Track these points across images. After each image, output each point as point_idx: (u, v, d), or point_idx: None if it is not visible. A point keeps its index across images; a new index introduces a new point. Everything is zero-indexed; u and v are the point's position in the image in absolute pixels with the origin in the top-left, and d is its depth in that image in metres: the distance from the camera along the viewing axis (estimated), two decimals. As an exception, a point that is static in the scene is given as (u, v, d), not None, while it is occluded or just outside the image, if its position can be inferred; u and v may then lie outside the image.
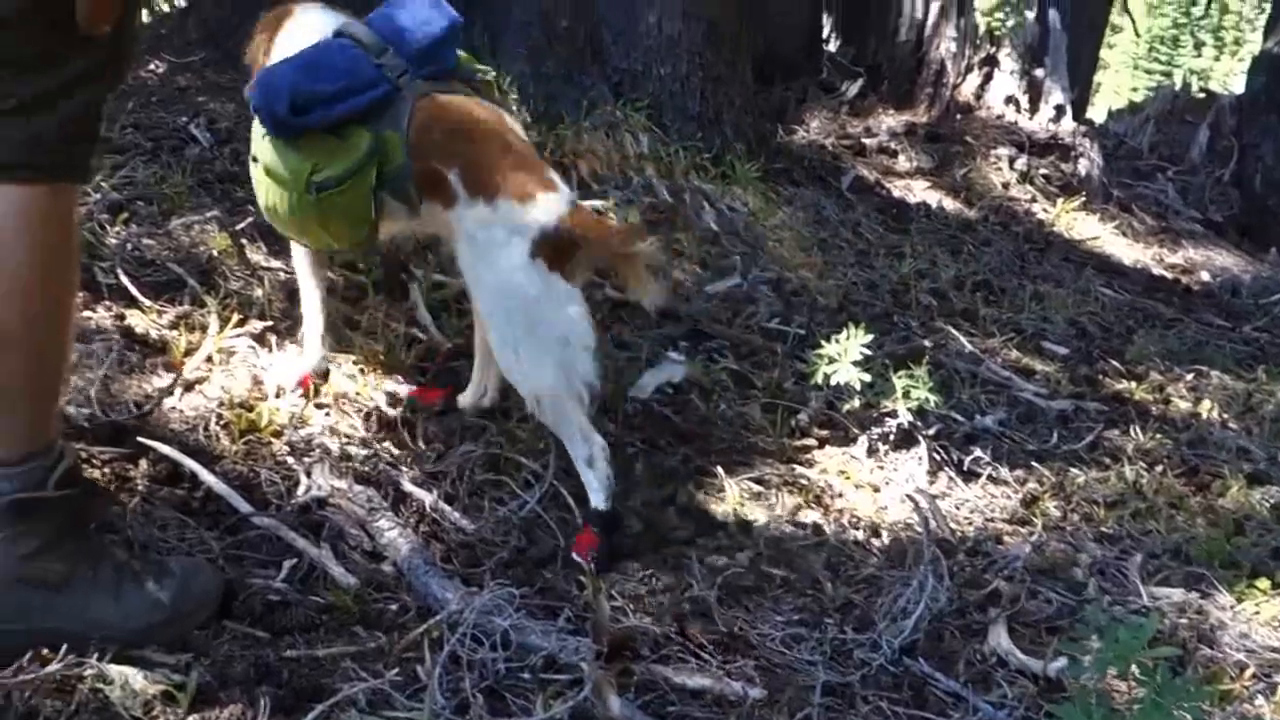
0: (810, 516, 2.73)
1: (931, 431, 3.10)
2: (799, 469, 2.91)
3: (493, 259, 2.34)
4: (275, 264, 3.19)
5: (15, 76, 1.55)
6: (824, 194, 5.24)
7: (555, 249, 2.31)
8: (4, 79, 1.54)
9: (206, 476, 2.21)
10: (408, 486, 2.39)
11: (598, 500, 2.37)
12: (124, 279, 2.85)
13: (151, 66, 4.61)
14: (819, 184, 5.38)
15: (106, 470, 2.21)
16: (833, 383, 3.04)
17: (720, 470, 2.79)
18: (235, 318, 2.76)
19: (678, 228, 4.14)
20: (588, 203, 4.01)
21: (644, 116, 4.51)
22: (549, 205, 2.32)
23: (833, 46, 7.19)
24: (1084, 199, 6.18)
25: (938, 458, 3.05)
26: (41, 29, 1.52)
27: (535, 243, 2.29)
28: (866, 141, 6.17)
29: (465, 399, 2.75)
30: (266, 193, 2.43)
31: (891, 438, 3.04)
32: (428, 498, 2.36)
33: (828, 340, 3.12)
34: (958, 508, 2.91)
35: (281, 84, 2.33)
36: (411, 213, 2.48)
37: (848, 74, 6.77)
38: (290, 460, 2.38)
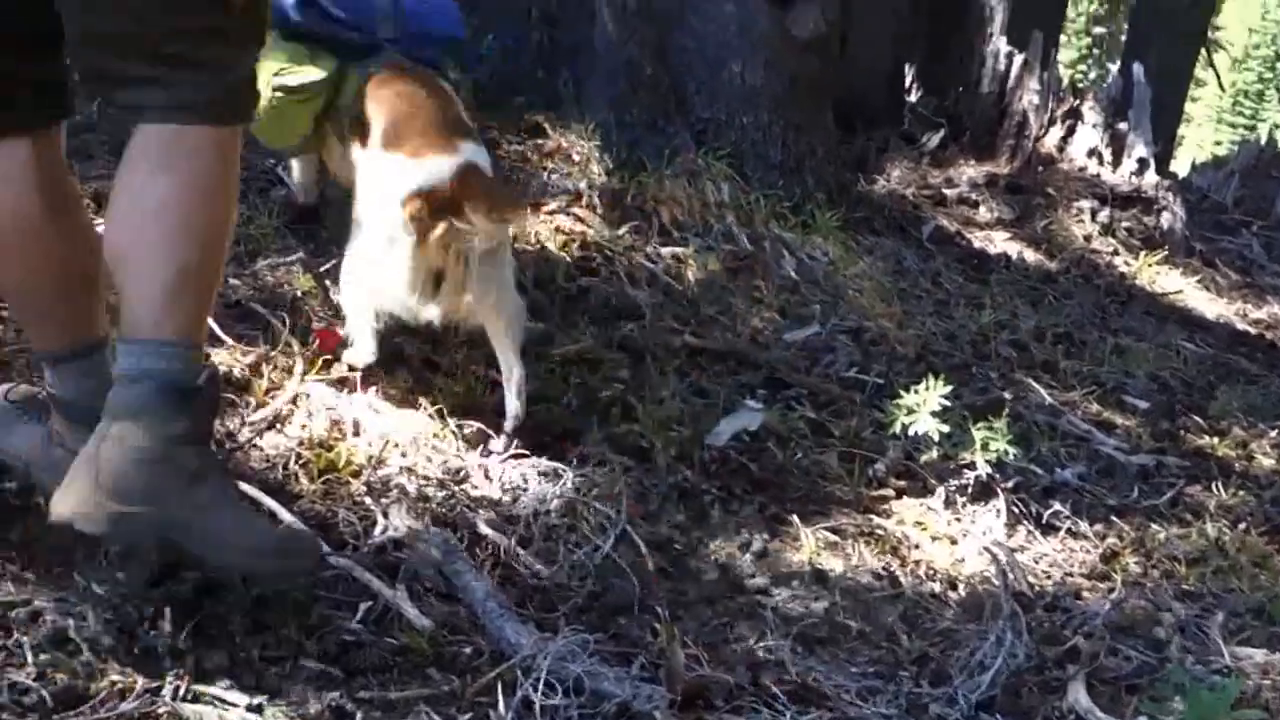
0: (887, 567, 2.70)
1: (1010, 484, 3.05)
2: (876, 519, 2.89)
3: (368, 197, 2.76)
4: (358, 305, 3.24)
5: (202, 42, 1.86)
6: (904, 244, 5.21)
7: (427, 202, 2.60)
8: (203, 43, 1.86)
9: (285, 515, 2.23)
10: (483, 529, 2.40)
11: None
12: (209, 318, 2.91)
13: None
14: (899, 234, 5.35)
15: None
16: (911, 433, 3.02)
17: (796, 519, 2.77)
18: (318, 360, 2.81)
19: (757, 275, 4.14)
20: (668, 249, 4.07)
21: (725, 165, 4.52)
22: (435, 166, 2.63)
23: (914, 97, 7.17)
24: (1166, 253, 6.07)
25: (1016, 511, 3.00)
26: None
27: (409, 193, 2.61)
28: (947, 192, 6.12)
29: None
30: None
31: (969, 490, 3.00)
32: (503, 541, 2.37)
33: (906, 390, 3.10)
34: (1036, 562, 2.86)
35: None
36: (340, 148, 2.97)
37: (929, 124, 6.73)
38: (368, 500, 2.40)
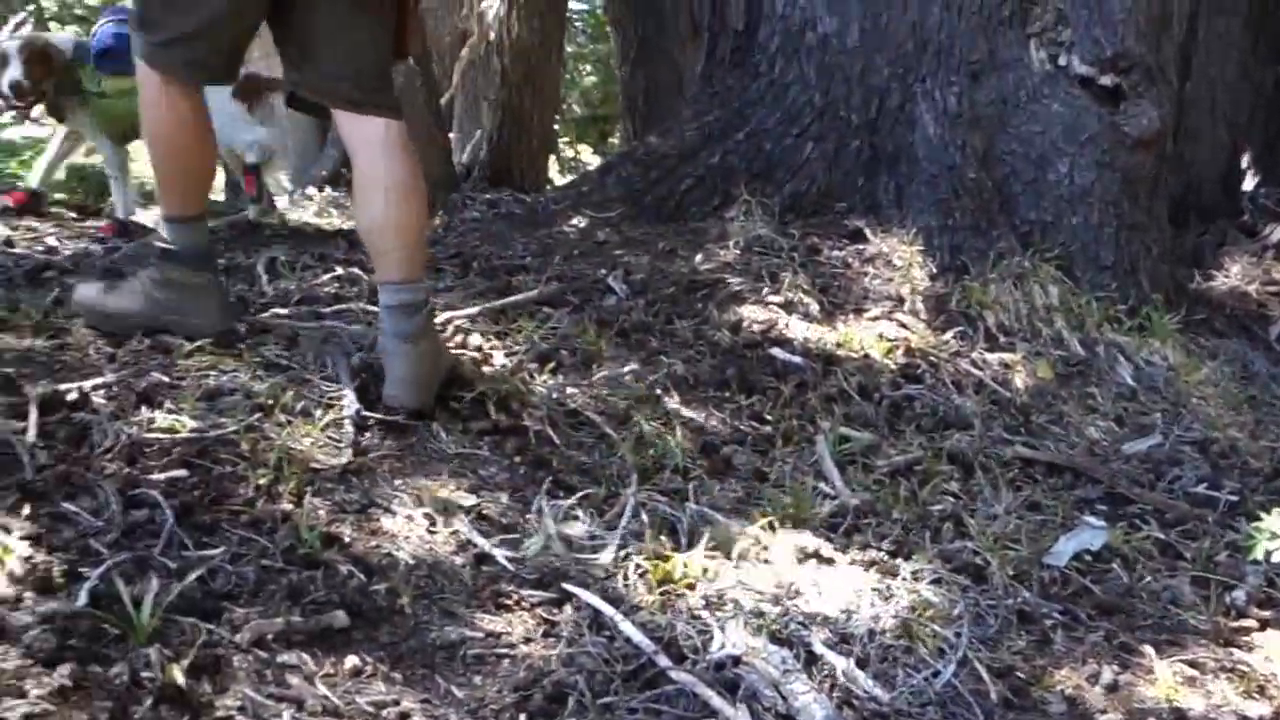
0: (1254, 709, 2.48)
1: (1394, 619, 2.77)
2: (1237, 653, 2.66)
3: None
4: (687, 414, 3.30)
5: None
6: (1250, 345, 4.89)
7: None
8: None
9: (627, 627, 2.26)
10: (819, 648, 2.36)
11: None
12: (548, 428, 3.03)
13: (574, 222, 4.94)
14: (1244, 334, 5.03)
15: (535, 613, 2.31)
16: (1274, 559, 2.79)
17: (1149, 649, 2.59)
18: (652, 468, 2.87)
19: (1091, 382, 3.97)
20: (994, 355, 3.97)
21: (1053, 267, 4.38)
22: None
23: (1250, 185, 6.78)
24: None
25: (1403, 650, 2.72)
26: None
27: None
28: (1294, 288, 5.73)
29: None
30: None
31: (1346, 625, 2.74)
32: (840, 662, 2.32)
33: (1265, 511, 2.88)
34: None
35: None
36: None
37: (1270, 215, 6.35)
38: (704, 614, 2.41)
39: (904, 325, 4.09)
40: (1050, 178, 4.62)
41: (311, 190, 6.74)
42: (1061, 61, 4.72)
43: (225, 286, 3.39)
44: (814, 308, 4.16)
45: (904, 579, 2.68)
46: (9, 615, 1.81)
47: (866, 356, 3.82)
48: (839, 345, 3.89)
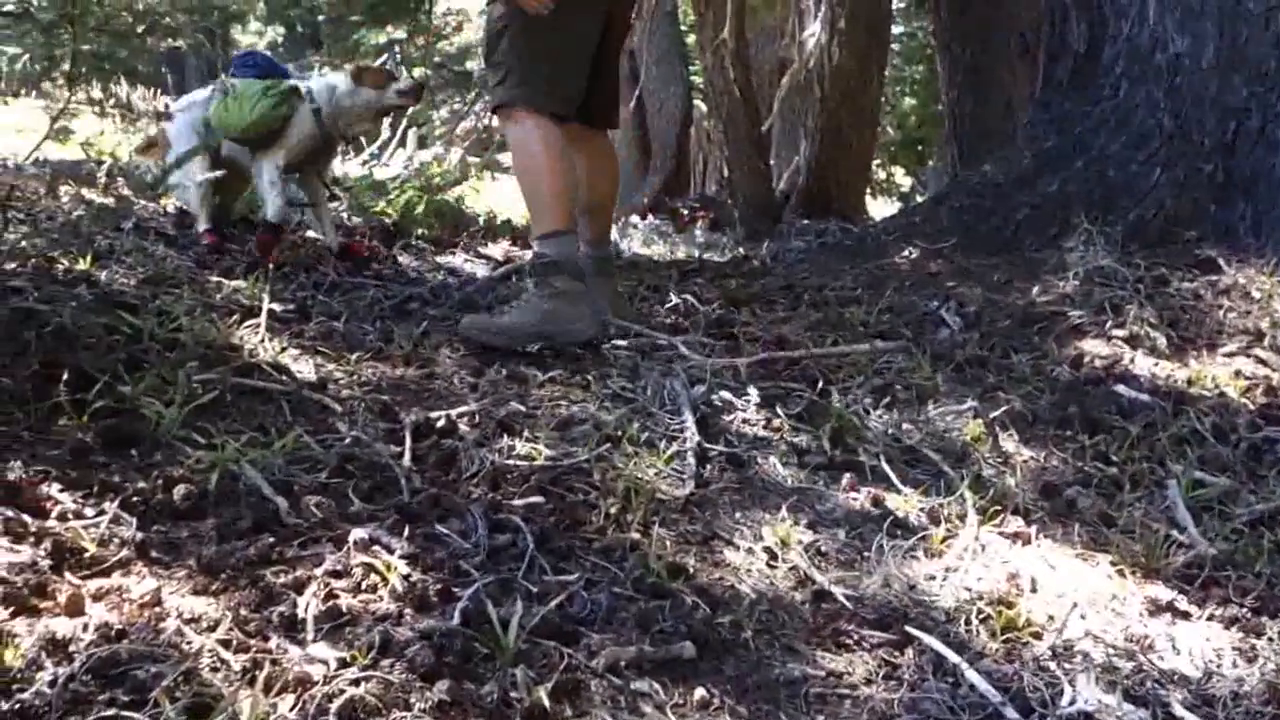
0: None
1: None
2: None
3: None
4: (1026, 453, 3.20)
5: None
6: None
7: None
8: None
9: (972, 675, 2.21)
10: (1178, 710, 2.24)
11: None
12: (884, 464, 3.01)
13: (905, 252, 4.89)
14: None
15: (876, 654, 2.29)
16: None
17: None
18: (991, 510, 2.80)
19: None
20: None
21: None
22: None
23: None
24: None
25: None
26: None
27: None
28: None
29: None
30: None
31: None
32: (1203, 725, 2.19)
33: None
34: None
35: None
36: None
37: None
38: (1052, 665, 2.33)
39: (1263, 362, 3.83)
40: None
41: (635, 218, 6.94)
42: None
43: (594, 295, 3.73)
44: (1161, 342, 3.95)
45: (1270, 639, 2.51)
46: (393, 630, 1.95)
47: (1221, 395, 3.59)
48: (1190, 383, 3.68)
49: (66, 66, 8.09)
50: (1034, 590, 2.58)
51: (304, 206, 4.95)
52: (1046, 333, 4.02)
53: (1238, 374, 3.73)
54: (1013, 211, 4.90)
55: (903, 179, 19.76)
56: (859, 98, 7.95)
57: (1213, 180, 4.58)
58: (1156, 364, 3.81)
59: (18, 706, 1.59)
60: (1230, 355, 3.86)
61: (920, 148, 17.16)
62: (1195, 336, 4.00)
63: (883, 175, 18.74)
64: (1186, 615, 2.57)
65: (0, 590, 1.89)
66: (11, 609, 1.85)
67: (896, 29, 14.46)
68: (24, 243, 3.98)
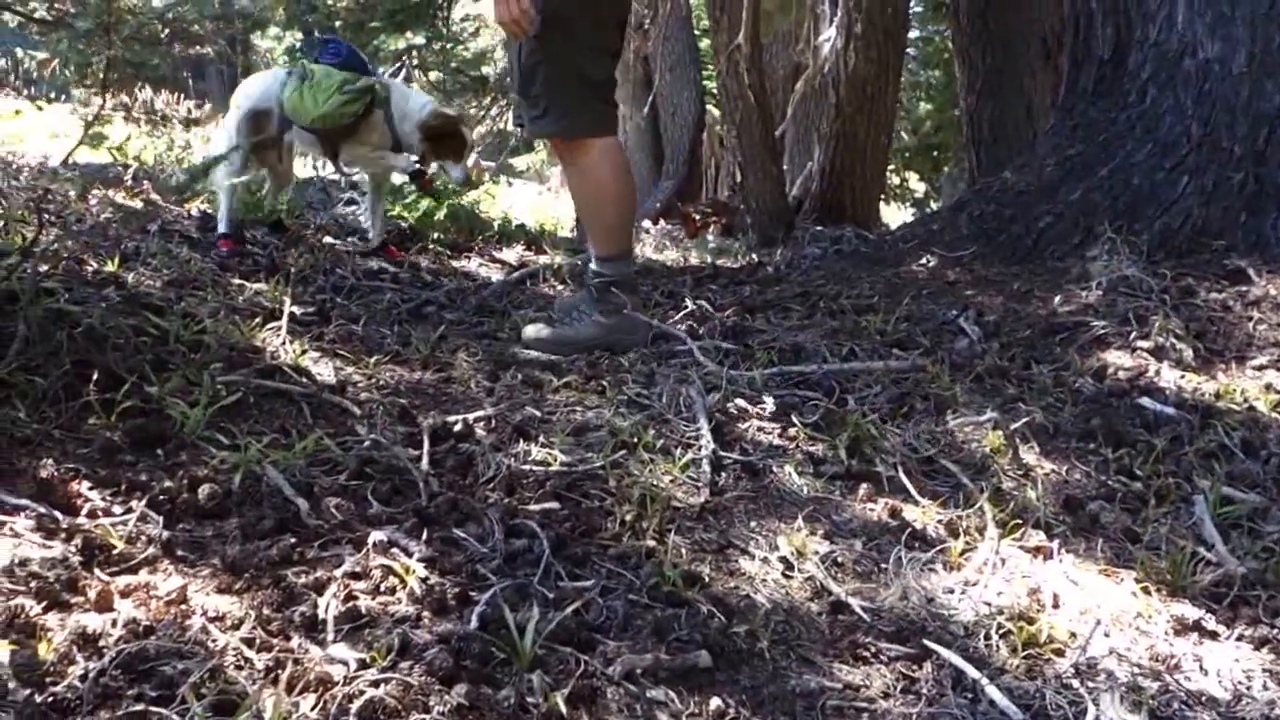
0: None
1: None
2: None
3: None
4: (1048, 466, 3.13)
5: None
6: None
7: None
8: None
9: (993, 691, 2.15)
10: (1207, 733, 2.17)
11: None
12: (902, 474, 2.94)
13: (923, 260, 4.82)
14: None
15: (894, 668, 2.23)
16: None
17: None
18: (1011, 523, 2.73)
19: None
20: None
21: None
22: None
23: None
24: None
25: None
26: None
27: None
28: None
29: None
30: None
31: None
32: (1233, 750, 2.12)
33: None
34: None
35: None
36: None
37: None
38: (1075, 683, 2.26)
39: (1296, 376, 3.74)
40: None
41: (647, 224, 6.90)
42: None
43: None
44: (1188, 354, 3.87)
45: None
46: (411, 632, 1.95)
47: (1251, 409, 3.51)
48: (1218, 396, 3.60)
49: (100, 74, 8.20)
50: (1056, 606, 2.51)
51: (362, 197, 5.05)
52: (1069, 343, 3.94)
53: (1268, 387, 3.64)
54: (1034, 220, 4.81)
55: (917, 185, 19.68)
56: (874, 103, 7.87)
57: (1243, 189, 4.50)
58: (1183, 376, 3.73)
59: (51, 700, 1.62)
60: (1260, 368, 3.77)
61: (936, 154, 17.07)
62: (1223, 349, 3.92)
63: (897, 181, 18.67)
64: (1214, 635, 2.50)
65: (34, 585, 1.92)
66: (44, 603, 1.89)
67: (913, 33, 14.39)
68: (56, 245, 4.08)
